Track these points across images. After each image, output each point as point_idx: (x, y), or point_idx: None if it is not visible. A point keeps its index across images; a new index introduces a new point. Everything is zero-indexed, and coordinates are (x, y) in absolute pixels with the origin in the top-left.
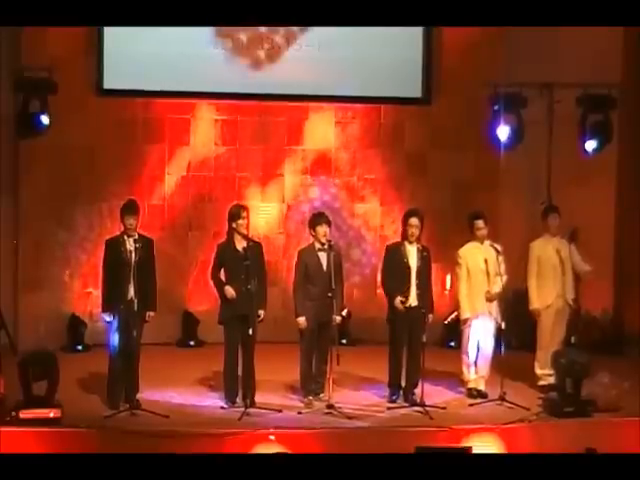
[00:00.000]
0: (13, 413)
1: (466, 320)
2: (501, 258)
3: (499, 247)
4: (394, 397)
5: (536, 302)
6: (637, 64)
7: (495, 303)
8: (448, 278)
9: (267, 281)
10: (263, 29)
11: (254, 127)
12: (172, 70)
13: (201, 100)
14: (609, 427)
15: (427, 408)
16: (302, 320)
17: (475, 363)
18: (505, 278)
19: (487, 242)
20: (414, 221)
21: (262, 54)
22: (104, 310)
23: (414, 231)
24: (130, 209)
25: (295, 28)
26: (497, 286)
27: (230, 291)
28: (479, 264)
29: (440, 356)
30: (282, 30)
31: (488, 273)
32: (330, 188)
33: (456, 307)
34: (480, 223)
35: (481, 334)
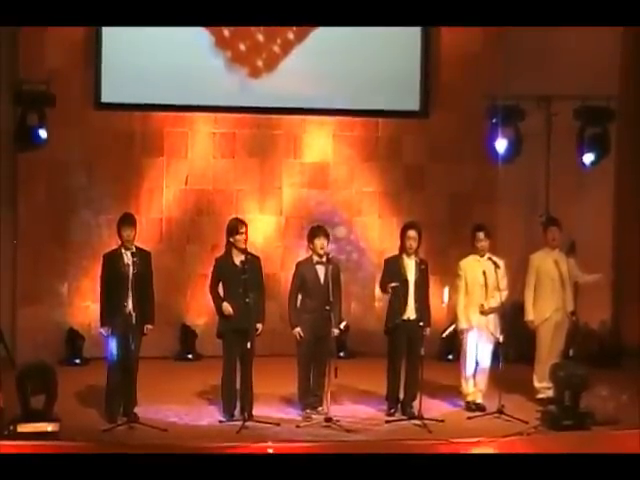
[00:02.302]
0: (11, 427)
1: (462, 331)
2: (501, 272)
3: (499, 261)
4: (392, 410)
5: (531, 314)
6: (635, 76)
7: (493, 317)
8: (446, 291)
9: (265, 294)
10: (261, 38)
11: (252, 140)
12: (170, 83)
13: (199, 113)
14: (608, 440)
15: (425, 421)
16: (298, 330)
17: (473, 376)
18: (505, 293)
19: (487, 255)
20: (412, 233)
21: (260, 63)
22: (102, 324)
23: (412, 243)
24: (127, 222)
25: (291, 37)
26: (494, 300)
27: (228, 308)
28: (477, 277)
29: (438, 369)
30: (279, 39)
31: (486, 286)
32: (328, 201)
33: (454, 320)
34: (480, 235)
35: (479, 347)
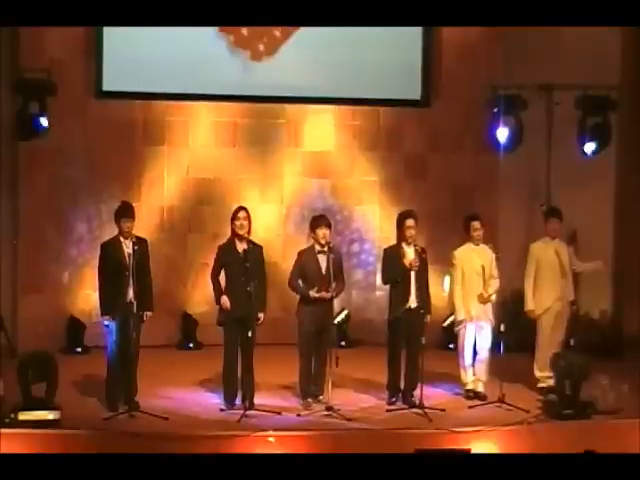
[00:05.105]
0: (12, 415)
1: (461, 322)
2: (495, 261)
3: (494, 250)
4: (393, 399)
5: (532, 303)
6: (636, 66)
7: (490, 305)
8: (447, 280)
9: (267, 283)
10: None
11: (253, 129)
12: (171, 72)
13: (200, 102)
14: (608, 429)
15: (426, 410)
16: (313, 290)
17: (472, 365)
18: (498, 281)
19: (482, 245)
20: (411, 222)
21: (262, 47)
22: (103, 313)
23: (412, 232)
24: (126, 212)
25: None
26: (492, 288)
27: (226, 303)
28: (474, 266)
29: (439, 358)
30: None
31: (484, 275)
32: (329, 190)
33: (453, 309)
34: (476, 224)
35: (477, 337)
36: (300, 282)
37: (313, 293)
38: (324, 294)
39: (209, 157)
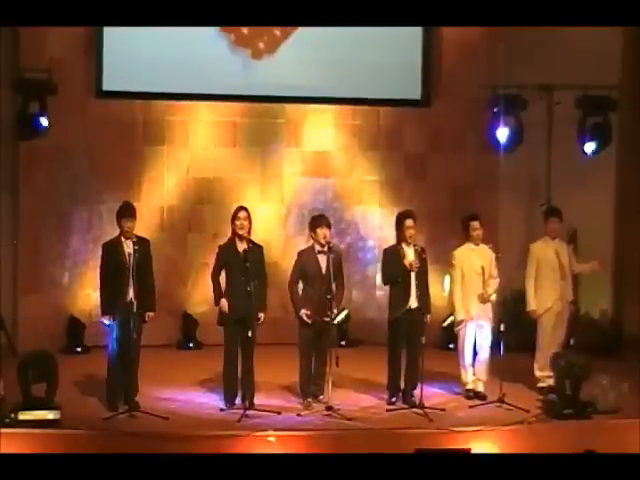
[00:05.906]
0: (12, 415)
1: (461, 322)
2: (495, 261)
3: (493, 249)
4: (393, 399)
5: (533, 303)
6: (636, 66)
7: (489, 305)
8: (447, 280)
9: (267, 283)
10: None
11: (253, 129)
12: (171, 72)
13: (200, 102)
14: (608, 429)
15: (426, 410)
16: (304, 312)
17: (472, 365)
18: (498, 281)
19: (482, 245)
20: (410, 223)
21: (262, 45)
22: (104, 313)
23: (412, 232)
24: (127, 211)
25: None
26: (491, 288)
27: (224, 306)
28: (474, 266)
29: (439, 358)
30: None
31: (483, 275)
32: (329, 190)
33: (453, 309)
34: (476, 224)
35: (477, 337)
36: (300, 283)
37: (304, 316)
38: (323, 318)
39: (209, 157)
